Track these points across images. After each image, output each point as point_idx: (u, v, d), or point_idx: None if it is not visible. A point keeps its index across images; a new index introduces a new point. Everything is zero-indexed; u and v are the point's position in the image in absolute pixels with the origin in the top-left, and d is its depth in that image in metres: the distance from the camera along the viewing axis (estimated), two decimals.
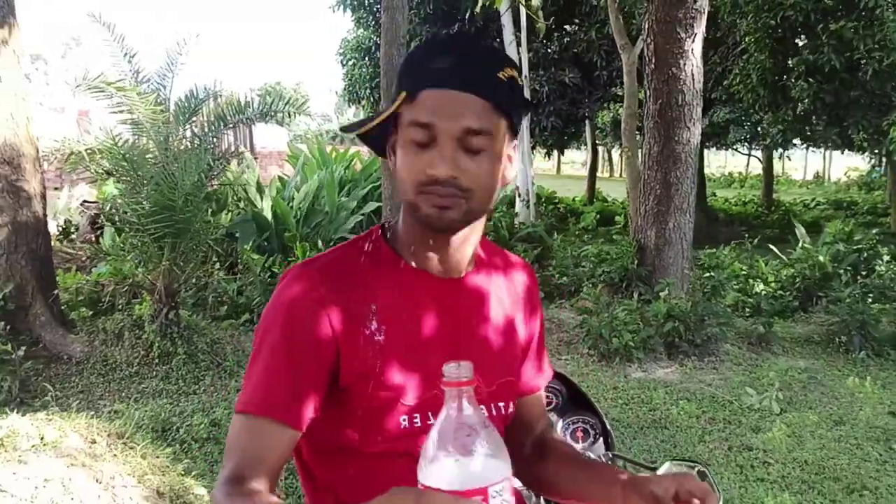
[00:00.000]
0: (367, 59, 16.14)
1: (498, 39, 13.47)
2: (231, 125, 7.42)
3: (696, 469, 1.62)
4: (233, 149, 8.96)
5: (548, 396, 1.95)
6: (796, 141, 17.52)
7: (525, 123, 12.69)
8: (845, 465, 4.23)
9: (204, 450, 4.06)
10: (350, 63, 16.63)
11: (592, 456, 1.81)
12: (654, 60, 6.61)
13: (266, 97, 8.01)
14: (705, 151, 40.10)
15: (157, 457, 3.50)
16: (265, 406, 1.11)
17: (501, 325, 1.28)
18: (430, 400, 1.15)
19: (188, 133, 7.03)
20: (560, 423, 1.90)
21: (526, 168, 13.06)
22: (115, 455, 3.25)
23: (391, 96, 1.14)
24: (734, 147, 27.13)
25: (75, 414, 3.73)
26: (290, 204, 8.69)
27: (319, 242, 8.12)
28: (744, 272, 8.36)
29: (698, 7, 6.33)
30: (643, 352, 6.06)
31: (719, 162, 51.36)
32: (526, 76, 12.46)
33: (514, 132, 1.17)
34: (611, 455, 1.83)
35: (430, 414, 1.16)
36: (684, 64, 6.45)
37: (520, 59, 12.58)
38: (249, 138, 11.86)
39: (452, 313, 1.21)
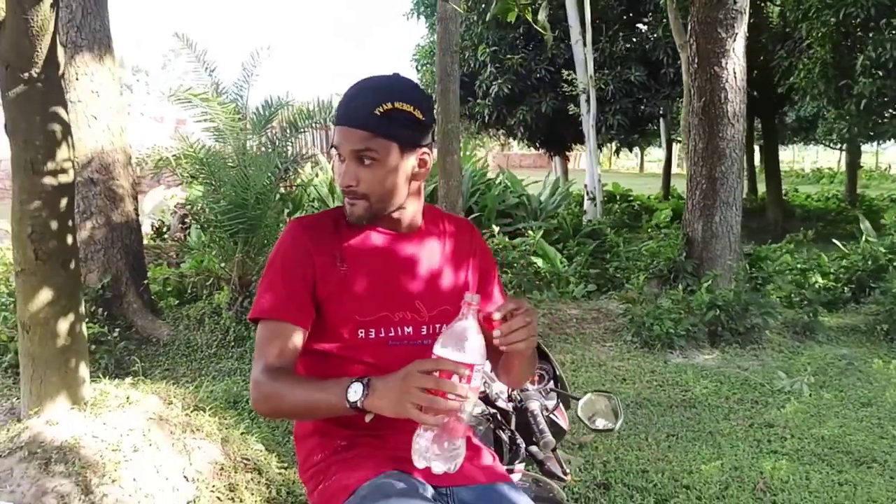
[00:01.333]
0: None
1: (566, 40, 13.78)
2: (302, 130, 8.03)
3: (609, 396, 2.06)
4: (304, 152, 9.59)
5: None
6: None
7: (591, 123, 12.95)
8: (860, 442, 4.46)
9: (266, 419, 4.60)
10: (424, 68, 17.19)
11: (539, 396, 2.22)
12: (696, 60, 6.87)
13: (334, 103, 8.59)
14: (793, 146, 38.94)
15: (224, 419, 4.07)
16: (274, 311, 1.61)
17: (442, 266, 1.75)
18: (380, 320, 1.64)
19: (263, 139, 7.69)
20: None
21: (592, 167, 13.31)
22: (187, 415, 3.82)
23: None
24: (822, 142, 26.47)
25: (157, 382, 4.33)
26: None
27: None
28: (800, 265, 8.46)
29: (738, 8, 6.56)
30: (685, 339, 6.33)
31: (811, 157, 49.88)
32: (591, 75, 12.72)
33: (414, 144, 1.62)
34: (549, 389, 2.24)
35: (381, 330, 1.64)
36: (726, 63, 6.69)
37: (585, 59, 12.87)
38: (327, 142, 12.52)
39: (401, 259, 1.69)
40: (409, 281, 1.68)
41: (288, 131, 7.80)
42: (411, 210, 1.71)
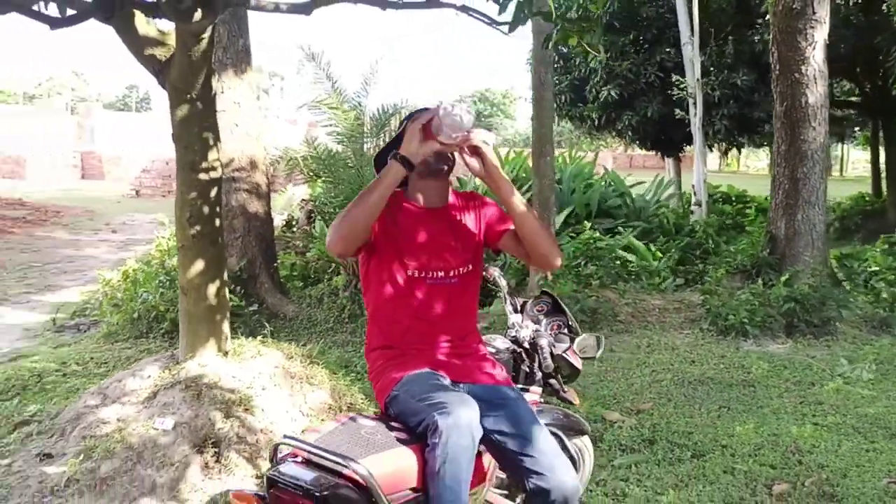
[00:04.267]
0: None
1: (674, 47, 14.10)
2: None
3: (598, 337, 2.75)
4: None
5: (540, 306, 3.09)
6: None
7: (697, 126, 13.24)
8: None
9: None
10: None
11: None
12: (778, 66, 7.26)
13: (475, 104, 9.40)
14: None
15: (335, 373, 4.95)
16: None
17: (462, 229, 2.50)
18: (421, 266, 2.40)
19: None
20: (545, 321, 3.03)
21: (698, 169, 13.57)
22: (305, 367, 4.71)
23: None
24: None
25: (282, 343, 5.27)
26: None
27: None
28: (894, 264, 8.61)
29: (817, 18, 6.93)
30: (759, 329, 6.77)
31: None
32: (698, 79, 13.01)
33: None
34: (564, 333, 2.93)
35: (423, 272, 2.40)
36: (806, 69, 7.06)
37: (693, 63, 13.17)
38: None
39: (434, 223, 2.45)
40: (441, 240, 2.44)
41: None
42: (444, 190, 2.50)
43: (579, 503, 2.87)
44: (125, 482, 3.61)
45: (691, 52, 13.13)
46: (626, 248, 9.37)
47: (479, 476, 2.47)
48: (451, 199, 2.53)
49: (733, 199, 19.40)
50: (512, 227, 2.46)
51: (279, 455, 2.09)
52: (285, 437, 2.12)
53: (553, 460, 2.28)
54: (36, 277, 10.94)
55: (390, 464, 2.08)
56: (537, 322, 3.00)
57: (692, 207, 13.77)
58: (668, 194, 12.80)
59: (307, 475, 1.94)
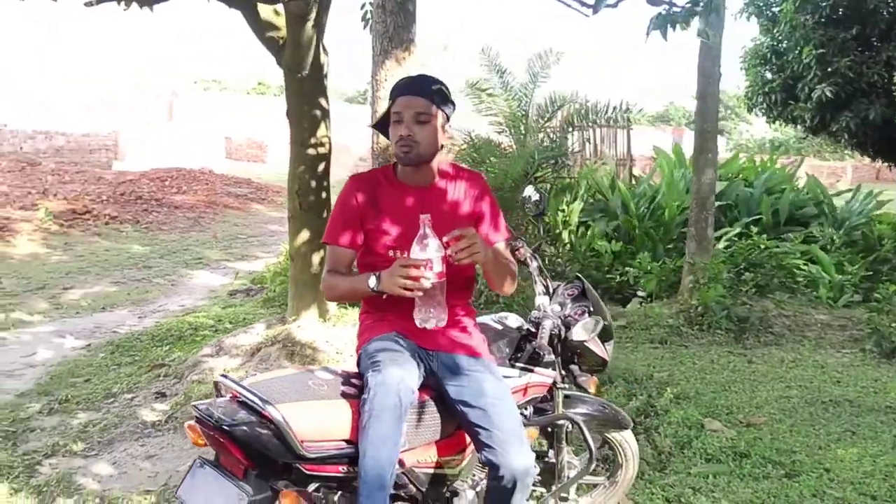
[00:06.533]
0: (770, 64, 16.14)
1: None
2: (578, 128, 8.83)
3: (597, 320, 2.68)
4: (574, 149, 10.26)
5: (571, 290, 3.02)
6: None
7: None
8: None
9: None
10: (754, 69, 16.77)
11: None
12: None
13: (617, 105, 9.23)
14: None
15: None
16: (332, 238, 2.52)
17: (451, 207, 2.52)
18: (400, 245, 2.46)
19: (540, 135, 8.64)
20: (570, 305, 2.96)
21: None
22: None
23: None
24: None
25: None
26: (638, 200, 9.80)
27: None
28: None
29: None
30: None
31: None
32: None
33: (447, 116, 2.43)
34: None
35: (404, 251, 2.46)
36: None
37: None
38: (627, 141, 13.11)
39: (420, 202, 2.50)
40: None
41: (565, 128, 8.67)
42: (435, 163, 2.51)
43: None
44: None
45: None
46: (810, 259, 8.68)
47: (459, 446, 2.51)
48: (441, 176, 2.56)
49: None
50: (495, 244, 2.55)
51: (222, 392, 2.24)
52: (222, 375, 2.28)
53: (508, 437, 2.27)
54: (238, 248, 12.10)
55: (319, 413, 2.17)
56: (563, 306, 2.94)
57: None
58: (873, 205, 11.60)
59: (226, 411, 2.08)
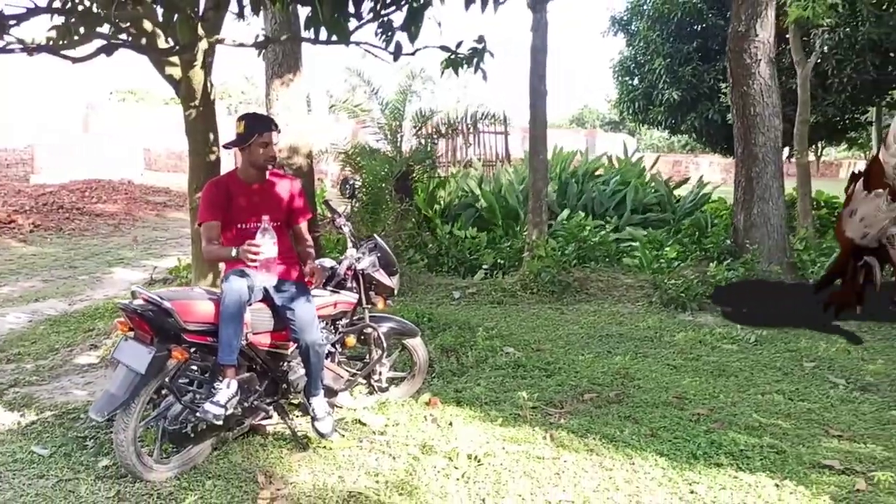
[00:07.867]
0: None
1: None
2: (442, 136, 10.56)
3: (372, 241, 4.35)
4: (438, 154, 12.08)
5: (371, 244, 4.68)
6: None
7: None
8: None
9: None
10: (624, 80, 18.95)
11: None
12: (731, 80, 8.36)
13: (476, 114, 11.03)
14: None
15: None
16: (206, 217, 4.12)
17: (275, 198, 4.18)
18: (247, 222, 4.09)
19: (413, 143, 10.32)
20: (367, 253, 4.62)
21: None
22: None
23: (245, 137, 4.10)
24: None
25: None
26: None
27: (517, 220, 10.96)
28: None
29: (760, 39, 7.98)
30: (697, 303, 7.93)
31: None
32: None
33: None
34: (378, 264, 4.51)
35: (247, 226, 4.09)
36: (752, 83, 8.12)
37: None
38: (505, 145, 15.05)
39: (255, 193, 4.13)
40: (259, 205, 4.10)
41: (434, 136, 10.38)
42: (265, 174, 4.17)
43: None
44: None
45: None
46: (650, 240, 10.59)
47: (288, 337, 4.13)
48: (271, 175, 4.19)
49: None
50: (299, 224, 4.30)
51: (136, 298, 3.79)
52: (136, 287, 3.87)
53: (304, 323, 3.95)
54: (157, 249, 13.42)
55: (196, 304, 3.78)
56: (364, 255, 4.61)
57: None
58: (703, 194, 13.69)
59: (140, 305, 3.67)
